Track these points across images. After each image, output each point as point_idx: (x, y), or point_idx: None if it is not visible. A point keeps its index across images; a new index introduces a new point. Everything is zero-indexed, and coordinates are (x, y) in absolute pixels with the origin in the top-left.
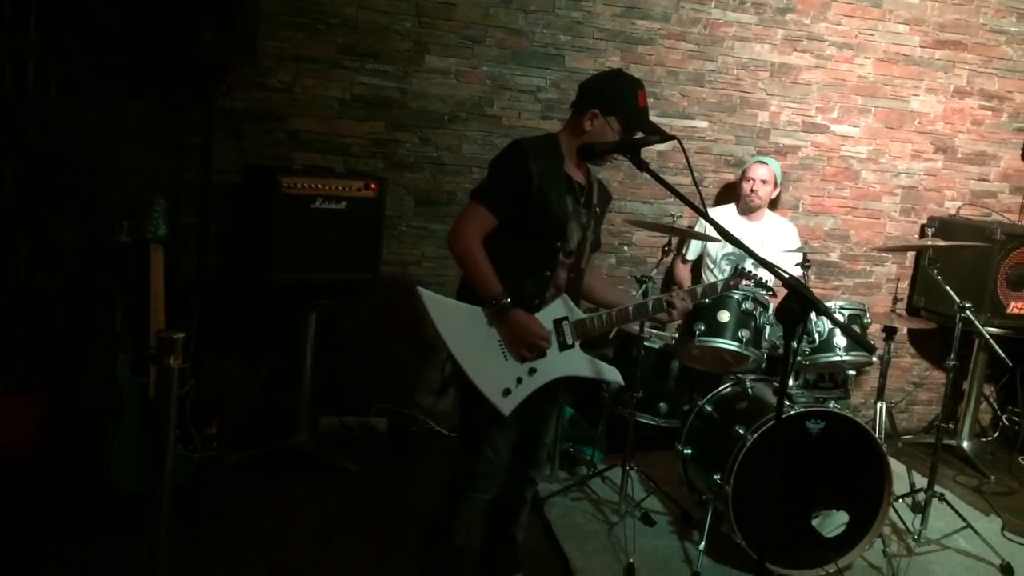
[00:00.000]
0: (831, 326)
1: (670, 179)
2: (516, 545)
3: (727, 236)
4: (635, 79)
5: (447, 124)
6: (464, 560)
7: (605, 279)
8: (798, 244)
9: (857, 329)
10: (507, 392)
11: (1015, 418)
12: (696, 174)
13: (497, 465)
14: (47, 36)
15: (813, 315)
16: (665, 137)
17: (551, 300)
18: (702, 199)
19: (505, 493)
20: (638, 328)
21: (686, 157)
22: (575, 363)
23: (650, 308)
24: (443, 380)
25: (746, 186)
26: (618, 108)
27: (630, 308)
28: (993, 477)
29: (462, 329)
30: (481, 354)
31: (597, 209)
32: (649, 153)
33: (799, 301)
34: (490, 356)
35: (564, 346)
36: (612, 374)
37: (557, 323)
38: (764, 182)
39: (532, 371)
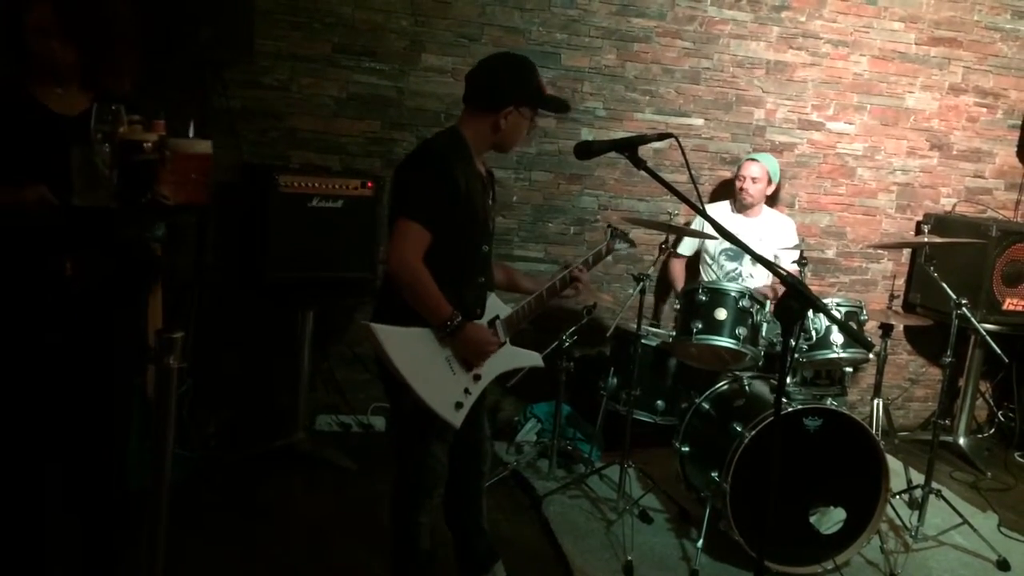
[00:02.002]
0: (828, 323)
1: (666, 177)
2: (487, 535)
3: (724, 233)
4: (530, 61)
5: (443, 123)
6: (433, 563)
7: (498, 264)
8: (796, 239)
9: (854, 326)
10: (459, 405)
11: (1011, 414)
12: (692, 172)
13: (441, 468)
14: None
15: (811, 312)
16: (663, 136)
17: (485, 306)
18: (699, 196)
19: (460, 492)
20: (635, 327)
21: (683, 154)
22: (507, 358)
23: (558, 287)
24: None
25: (738, 184)
26: (530, 99)
27: (543, 292)
28: (989, 473)
29: (413, 355)
30: (432, 375)
31: (495, 196)
32: (644, 150)
33: (797, 299)
34: (440, 374)
35: (500, 344)
36: (533, 359)
37: (491, 323)
38: (755, 180)
39: (476, 377)
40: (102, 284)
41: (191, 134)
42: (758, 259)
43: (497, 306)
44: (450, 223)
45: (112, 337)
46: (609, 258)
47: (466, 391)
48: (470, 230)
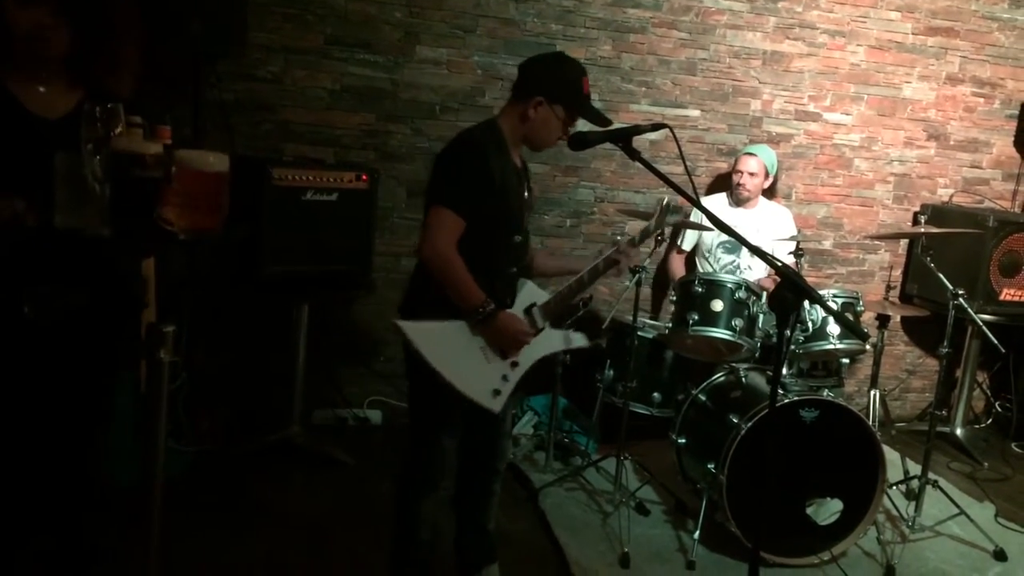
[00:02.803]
0: (824, 314)
1: (663, 168)
2: (489, 536)
3: (720, 225)
4: (579, 65)
5: (439, 115)
6: (431, 555)
7: (540, 249)
8: (794, 230)
9: (851, 317)
10: (496, 392)
11: (1008, 405)
12: (688, 163)
13: (448, 460)
14: None
15: (806, 303)
16: (657, 127)
17: (517, 294)
18: (694, 188)
19: (472, 486)
20: (632, 319)
21: (678, 146)
22: (547, 342)
23: (601, 268)
24: None
25: (735, 178)
26: (564, 97)
27: (584, 275)
28: (986, 464)
29: (445, 348)
30: (466, 365)
31: (531, 189)
32: (641, 142)
33: (792, 290)
34: (475, 363)
35: (537, 331)
36: (580, 339)
37: (527, 311)
38: (752, 175)
39: (514, 364)
40: (69, 324)
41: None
42: (754, 250)
43: (534, 293)
44: (483, 212)
45: (78, 369)
46: (665, 231)
47: (504, 378)
48: (503, 220)
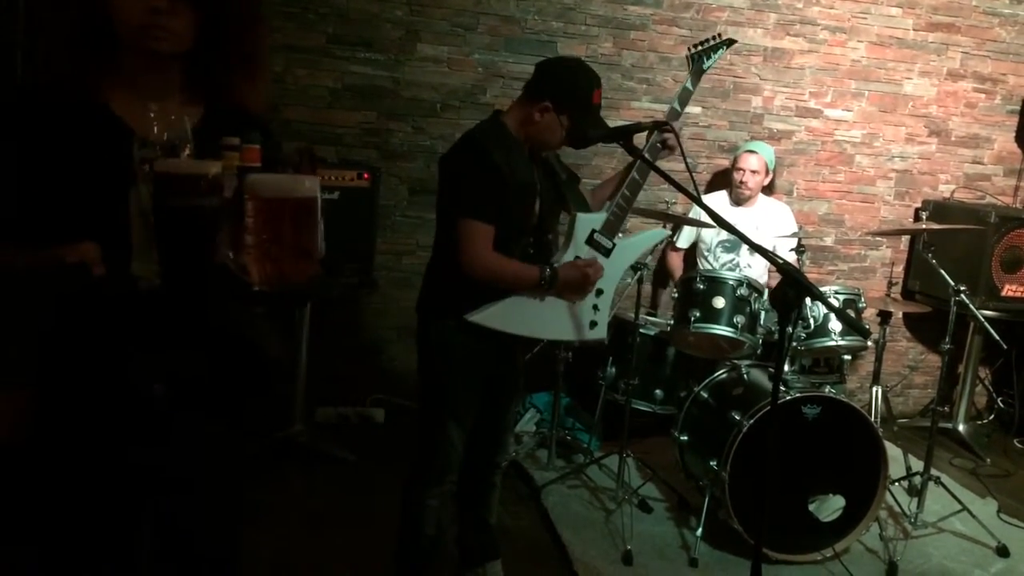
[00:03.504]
0: (826, 311)
1: (664, 166)
2: (491, 531)
3: (720, 222)
4: (594, 75)
5: (440, 113)
6: (435, 550)
7: (589, 189)
8: (794, 227)
9: (852, 314)
10: (593, 324)
11: (1010, 400)
12: (689, 160)
13: (455, 454)
14: (35, 26)
15: (808, 300)
16: (657, 124)
17: (574, 231)
18: (695, 185)
19: (473, 480)
20: (633, 316)
21: (679, 143)
22: (626, 255)
23: (652, 160)
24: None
25: (736, 176)
26: (571, 107)
27: (635, 176)
28: (989, 460)
29: (523, 316)
30: (553, 317)
31: (561, 175)
32: (641, 139)
33: (793, 287)
34: (559, 313)
35: (608, 252)
36: (656, 236)
37: (590, 240)
38: (754, 172)
39: (599, 292)
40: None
41: None
42: (754, 247)
43: (590, 221)
44: (504, 205)
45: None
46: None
47: (595, 308)
48: (520, 210)
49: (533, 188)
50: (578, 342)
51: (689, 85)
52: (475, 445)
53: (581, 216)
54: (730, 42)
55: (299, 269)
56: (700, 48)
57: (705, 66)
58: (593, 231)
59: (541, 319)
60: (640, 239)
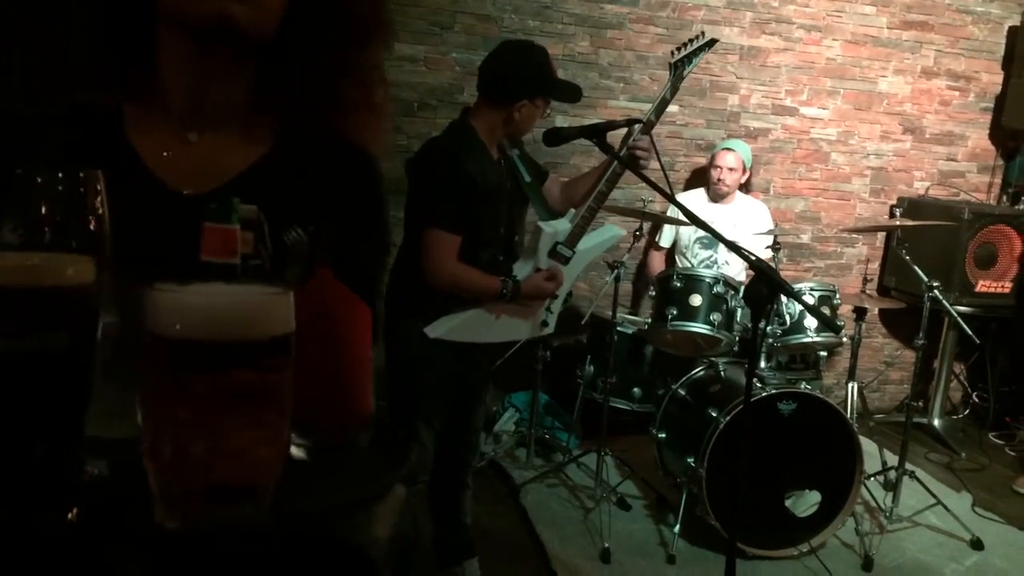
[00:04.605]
0: (802, 308)
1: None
2: (466, 531)
3: (695, 220)
4: (540, 49)
5: (417, 112)
6: (412, 551)
7: (554, 179)
8: (770, 225)
9: (828, 310)
10: (545, 323)
11: (985, 395)
12: (666, 159)
13: (427, 454)
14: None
15: (783, 297)
16: (631, 122)
17: (538, 243)
18: (669, 184)
19: (445, 481)
20: (611, 315)
21: (652, 142)
22: (584, 259)
23: (619, 171)
24: None
25: (714, 174)
26: (543, 89)
27: (602, 188)
28: (964, 454)
29: (483, 325)
30: (508, 322)
31: (525, 176)
32: (616, 137)
33: (766, 283)
34: (514, 317)
35: (567, 261)
36: (611, 237)
37: (552, 253)
38: (731, 170)
39: (554, 296)
40: None
41: None
42: (729, 245)
43: (553, 233)
44: (470, 216)
45: None
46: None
47: (548, 309)
48: (489, 218)
49: (503, 193)
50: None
51: (667, 95)
52: (445, 446)
53: (545, 229)
54: (712, 42)
55: (346, 411)
56: (683, 53)
57: (686, 72)
58: (556, 244)
59: (498, 325)
60: (597, 243)
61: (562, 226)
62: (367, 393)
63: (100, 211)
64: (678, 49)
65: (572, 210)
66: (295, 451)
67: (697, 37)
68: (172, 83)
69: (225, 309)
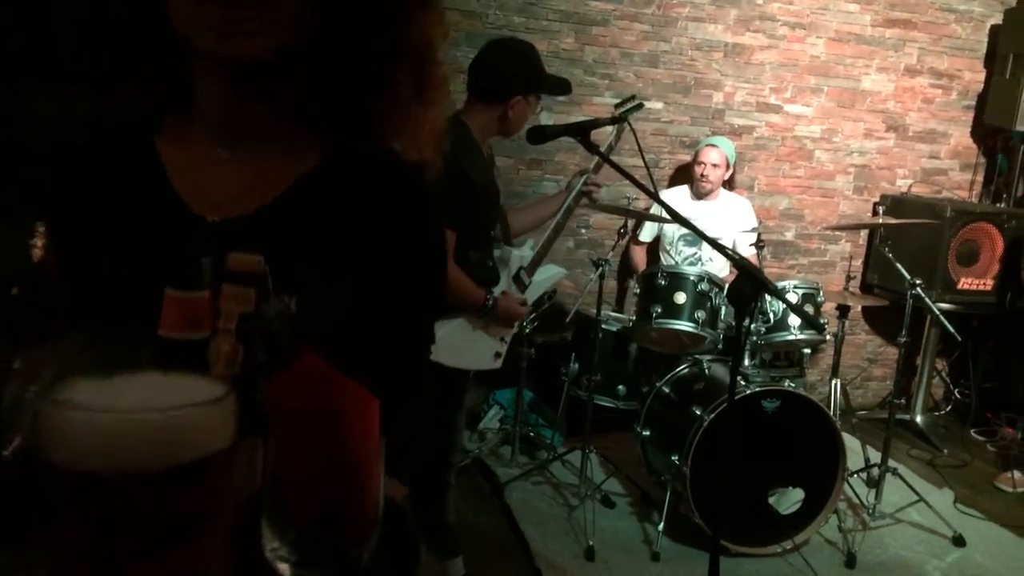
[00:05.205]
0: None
1: (626, 160)
2: (450, 528)
3: (677, 217)
4: (529, 46)
5: None
6: None
7: (509, 207)
8: (754, 222)
9: (811, 308)
10: (498, 355)
11: (967, 392)
12: (651, 155)
13: None
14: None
15: (767, 295)
16: (616, 120)
17: (508, 264)
18: (652, 181)
19: (428, 481)
20: (596, 312)
21: (635, 138)
22: (534, 291)
23: (573, 205)
24: None
25: (697, 170)
26: (536, 85)
27: (559, 219)
28: (946, 450)
29: (454, 347)
30: (472, 347)
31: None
32: (601, 134)
33: (749, 282)
34: (478, 344)
35: (525, 288)
36: (557, 275)
37: (515, 278)
38: (715, 166)
39: (510, 326)
40: None
41: None
42: (712, 243)
43: (517, 258)
44: (466, 216)
45: None
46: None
47: (502, 339)
48: (483, 218)
49: (495, 194)
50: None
51: (613, 142)
52: (427, 446)
53: (515, 252)
54: (640, 105)
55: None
56: (619, 111)
57: (624, 126)
58: (520, 268)
59: (467, 344)
60: (546, 278)
61: (526, 252)
62: (369, 495)
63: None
64: (616, 107)
65: (531, 240)
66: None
67: (632, 98)
68: (203, 96)
69: (126, 435)
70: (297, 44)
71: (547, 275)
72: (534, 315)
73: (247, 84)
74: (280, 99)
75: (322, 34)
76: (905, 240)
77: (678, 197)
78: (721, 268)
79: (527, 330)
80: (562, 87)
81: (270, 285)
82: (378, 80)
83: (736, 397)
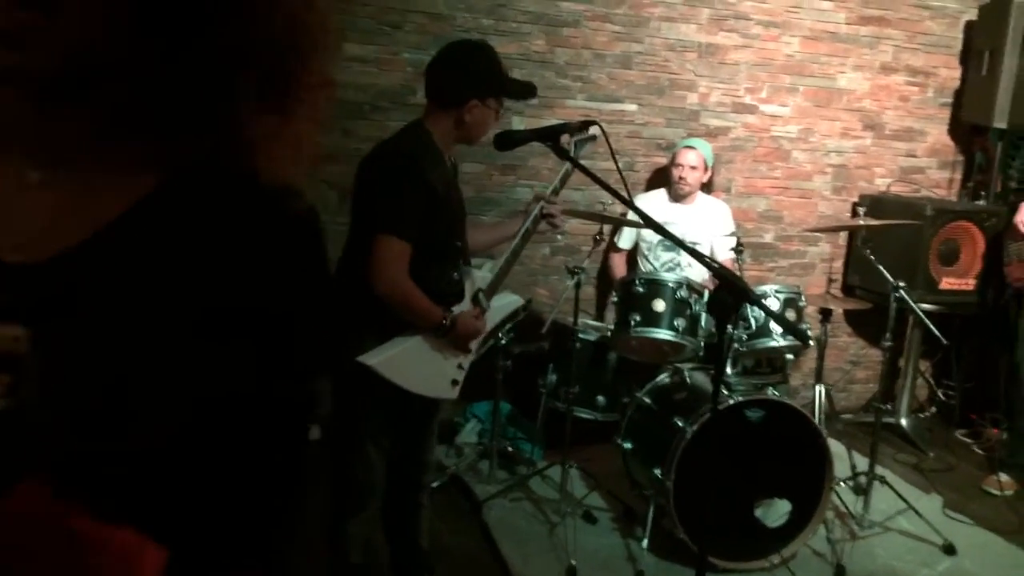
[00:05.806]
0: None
1: (601, 165)
2: (423, 552)
3: (652, 224)
4: (489, 48)
5: (368, 114)
6: None
7: (474, 225)
8: (732, 225)
9: (794, 313)
10: (455, 383)
11: (951, 393)
12: (626, 159)
13: (375, 476)
14: None
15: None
16: (584, 125)
17: (466, 284)
18: (626, 186)
19: (399, 503)
20: (573, 321)
21: (608, 143)
22: (492, 317)
23: (532, 229)
24: None
25: (675, 172)
26: (494, 89)
27: (517, 244)
28: (932, 453)
29: (411, 368)
30: (429, 371)
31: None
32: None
33: (731, 292)
34: (436, 368)
35: (483, 312)
36: (514, 304)
37: (474, 299)
38: (693, 168)
39: (467, 351)
40: None
41: None
42: (690, 252)
43: (476, 279)
44: (429, 227)
45: None
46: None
47: (459, 367)
48: (447, 230)
49: (459, 205)
50: (439, 397)
51: (568, 169)
52: (397, 466)
53: (476, 273)
54: (593, 138)
55: None
56: (573, 139)
57: (579, 153)
58: (479, 291)
59: (424, 368)
60: (503, 304)
61: (484, 274)
62: None
63: None
64: (570, 134)
65: (489, 262)
66: None
67: (584, 127)
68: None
69: None
70: (101, 49)
71: (505, 302)
72: (510, 327)
73: (47, 99)
74: (98, 113)
75: (133, 33)
76: (886, 240)
77: (655, 201)
78: (701, 272)
79: (503, 341)
80: (525, 91)
81: (35, 371)
82: (208, 85)
83: (719, 407)
